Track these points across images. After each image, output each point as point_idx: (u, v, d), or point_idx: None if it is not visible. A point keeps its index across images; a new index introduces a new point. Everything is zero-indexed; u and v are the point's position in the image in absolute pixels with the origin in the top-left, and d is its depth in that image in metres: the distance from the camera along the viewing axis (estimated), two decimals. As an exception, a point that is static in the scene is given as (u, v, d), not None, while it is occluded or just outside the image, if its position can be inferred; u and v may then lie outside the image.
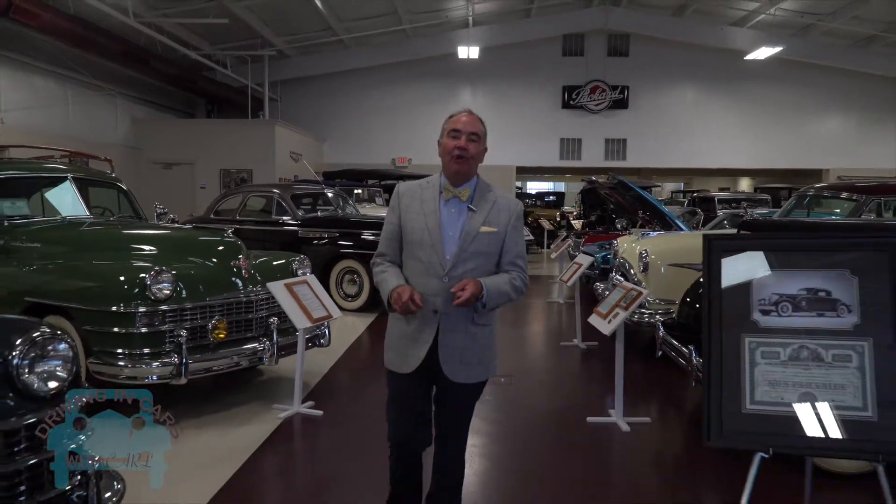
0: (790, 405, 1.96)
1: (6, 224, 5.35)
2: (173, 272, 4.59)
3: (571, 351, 7.20)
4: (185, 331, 4.51)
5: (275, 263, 5.58)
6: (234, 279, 4.98)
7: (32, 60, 12.67)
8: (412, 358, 2.63)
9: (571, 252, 10.22)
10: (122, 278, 4.61)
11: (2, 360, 2.23)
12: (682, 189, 29.11)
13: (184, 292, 4.65)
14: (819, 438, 1.94)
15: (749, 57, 18.81)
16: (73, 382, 2.40)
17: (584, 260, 7.25)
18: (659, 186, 22.08)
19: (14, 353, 2.25)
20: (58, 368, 2.34)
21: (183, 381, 4.49)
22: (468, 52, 18.37)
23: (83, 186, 6.12)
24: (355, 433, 4.63)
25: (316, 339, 5.52)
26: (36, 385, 2.26)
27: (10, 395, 2.21)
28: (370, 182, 14.88)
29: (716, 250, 2.15)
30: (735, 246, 2.18)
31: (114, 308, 4.43)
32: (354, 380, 6.13)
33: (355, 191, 13.17)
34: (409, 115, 20.60)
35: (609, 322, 4.68)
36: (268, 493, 3.85)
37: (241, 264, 5.09)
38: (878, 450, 1.88)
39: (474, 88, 21.33)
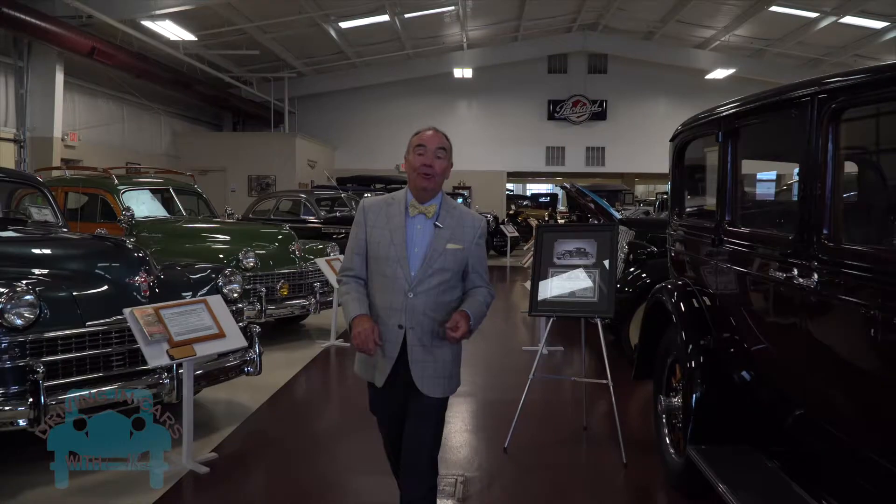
0: (565, 296, 4.55)
1: (134, 221, 7.95)
2: (256, 252, 7.21)
3: (524, 313, 9.81)
4: (264, 289, 7.12)
5: (317, 248, 8.20)
6: (292, 257, 7.61)
7: (99, 87, 15.36)
8: (380, 373, 2.65)
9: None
10: (220, 255, 7.22)
11: (213, 283, 4.84)
12: (666, 191, 31.62)
13: (259, 265, 7.27)
14: (575, 311, 4.54)
15: (708, 77, 21.39)
16: (242, 295, 5.01)
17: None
18: (629, 191, 24.58)
19: (218, 280, 4.87)
20: (236, 287, 4.95)
21: (262, 320, 7.10)
22: (462, 73, 21.06)
23: (177, 194, 8.75)
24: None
25: (343, 300, 8.13)
26: (229, 297, 4.86)
27: (219, 298, 4.82)
28: (377, 186, 17.49)
29: (541, 231, 4.78)
30: (546, 230, 4.82)
31: (218, 274, 7.03)
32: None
33: (365, 194, 15.80)
34: (411, 127, 22.46)
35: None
36: (315, 385, 6.46)
37: (296, 248, 7.73)
38: (596, 313, 4.48)
39: (469, 102, 23.95)
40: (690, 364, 3.50)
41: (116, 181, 8.15)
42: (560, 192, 35.08)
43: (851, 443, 2.54)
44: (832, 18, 17.47)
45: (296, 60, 20.25)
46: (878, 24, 17.82)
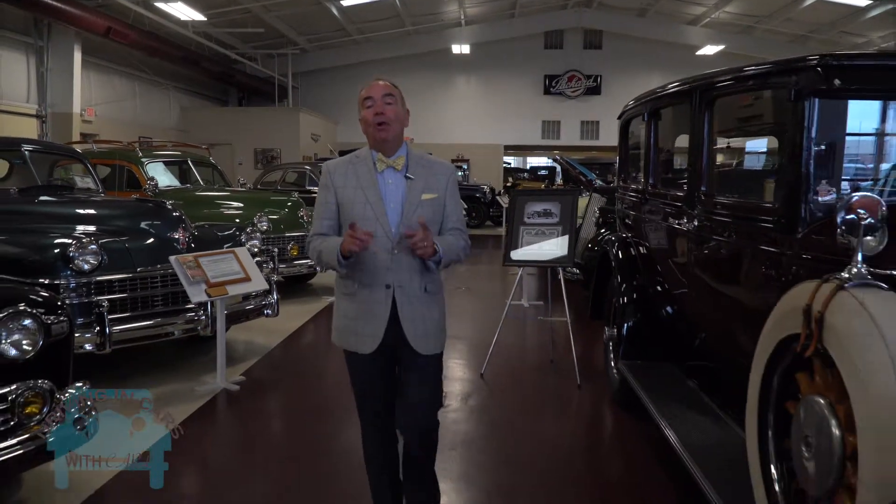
0: (533, 252, 5.43)
1: (158, 189, 8.79)
2: (269, 217, 8.08)
3: (513, 275, 10.71)
4: (276, 250, 7.99)
5: (322, 214, 9.08)
6: (300, 222, 8.49)
7: (113, 65, 16.14)
8: (370, 337, 2.53)
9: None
10: (237, 220, 8.09)
11: (237, 239, 5.72)
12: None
13: (272, 228, 8.14)
14: (542, 262, 5.42)
15: (699, 53, 22.05)
16: (262, 252, 5.89)
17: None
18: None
19: (241, 236, 5.75)
20: (257, 243, 5.83)
21: (275, 277, 7.99)
22: (461, 49, 21.77)
23: (195, 166, 9.59)
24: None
25: (346, 261, 9.04)
26: (251, 251, 5.74)
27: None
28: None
29: (514, 195, 5.65)
30: (519, 194, 5.69)
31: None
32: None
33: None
34: (410, 101, 22.59)
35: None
36: (322, 331, 7.36)
37: (304, 214, 8.60)
38: (559, 263, 5.36)
39: (467, 77, 24.64)
40: (623, 299, 4.38)
41: (140, 154, 8.99)
42: (558, 166, 36.00)
43: (726, 350, 3.41)
44: (817, -4, 18.10)
45: (299, 37, 20.94)
46: (863, 2, 18.42)
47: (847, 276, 1.90)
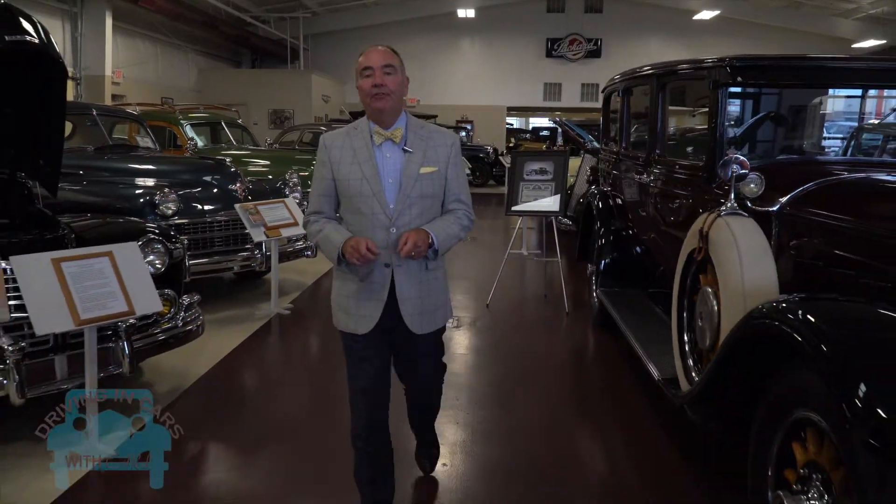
0: (531, 202, 6.49)
1: (197, 148, 9.82)
2: (299, 173, 9.13)
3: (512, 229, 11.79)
4: (306, 203, 9.04)
5: (343, 171, 10.14)
6: (325, 178, 9.54)
7: (137, 28, 17.00)
8: (367, 318, 2.47)
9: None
10: (270, 176, 9.14)
11: (281, 190, 6.78)
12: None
13: (300, 182, 9.19)
14: (537, 212, 6.51)
15: (696, 17, 22.77)
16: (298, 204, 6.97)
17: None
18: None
19: (285, 189, 6.81)
20: (299, 195, 6.88)
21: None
22: (466, 12, 22.56)
23: (227, 127, 10.61)
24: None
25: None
26: (294, 200, 6.81)
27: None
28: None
29: (515, 155, 6.69)
30: (518, 155, 6.73)
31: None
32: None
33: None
34: (417, 63, 24.59)
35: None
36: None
37: (328, 171, 9.65)
38: (551, 213, 6.43)
39: (472, 41, 25.40)
40: (602, 240, 5.46)
41: (180, 116, 10.00)
42: (559, 127, 36.82)
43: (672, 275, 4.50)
44: (810, -37, 18.82)
45: (310, 0, 21.69)
46: (854, -30, 19.18)
47: (724, 208, 2.97)
